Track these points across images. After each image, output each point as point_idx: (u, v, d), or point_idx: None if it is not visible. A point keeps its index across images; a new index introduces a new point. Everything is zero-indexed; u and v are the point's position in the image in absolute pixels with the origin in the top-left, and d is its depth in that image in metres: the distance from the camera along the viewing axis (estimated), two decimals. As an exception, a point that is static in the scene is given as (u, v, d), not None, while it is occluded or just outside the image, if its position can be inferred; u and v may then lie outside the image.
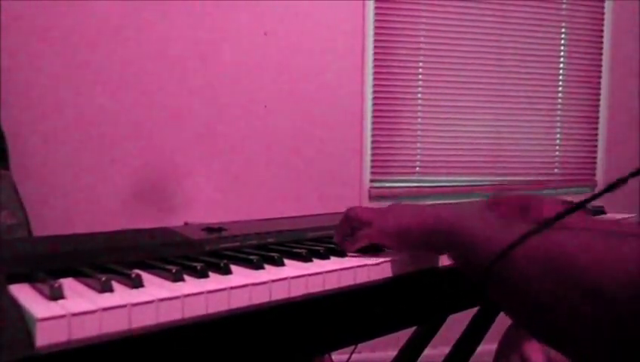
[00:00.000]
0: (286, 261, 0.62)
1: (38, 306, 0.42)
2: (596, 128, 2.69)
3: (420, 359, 1.19)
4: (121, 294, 0.47)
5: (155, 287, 0.49)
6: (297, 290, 0.55)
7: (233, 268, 0.57)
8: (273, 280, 0.53)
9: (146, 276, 0.53)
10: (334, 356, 1.57)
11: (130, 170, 2.10)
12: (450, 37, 2.46)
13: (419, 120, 2.46)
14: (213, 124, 2.19)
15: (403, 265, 0.68)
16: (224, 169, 2.21)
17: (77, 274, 0.54)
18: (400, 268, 0.67)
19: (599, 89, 2.67)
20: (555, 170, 2.67)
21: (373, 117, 2.39)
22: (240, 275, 0.55)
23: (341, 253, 0.69)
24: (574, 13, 2.62)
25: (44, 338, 0.39)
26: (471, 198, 2.13)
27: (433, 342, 1.19)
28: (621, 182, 0.47)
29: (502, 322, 1.03)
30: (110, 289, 0.47)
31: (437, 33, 2.45)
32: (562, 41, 2.63)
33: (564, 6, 2.61)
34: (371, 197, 2.38)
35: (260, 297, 0.52)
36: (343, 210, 0.74)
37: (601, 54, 2.66)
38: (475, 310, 1.16)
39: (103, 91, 2.07)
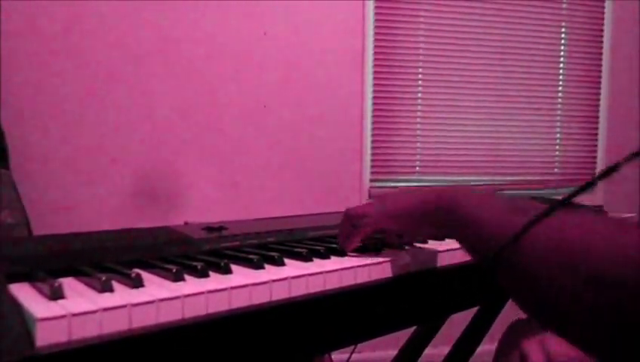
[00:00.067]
0: (286, 260, 0.62)
1: (38, 306, 0.42)
2: (596, 128, 2.69)
3: (420, 359, 1.19)
4: (122, 294, 0.47)
5: (155, 287, 0.49)
6: (298, 290, 0.55)
7: (233, 267, 0.57)
8: (274, 280, 0.53)
9: (146, 275, 0.53)
10: (334, 356, 1.57)
11: (130, 169, 2.10)
12: (450, 37, 2.46)
13: (418, 120, 2.46)
14: (214, 123, 2.18)
15: (403, 265, 0.68)
16: (224, 168, 2.21)
17: (77, 274, 0.54)
18: (400, 268, 0.67)
19: (599, 89, 2.67)
20: (555, 170, 2.67)
21: (373, 117, 2.39)
22: (240, 275, 0.55)
23: (341, 253, 0.69)
24: (574, 13, 2.62)
25: (44, 338, 0.39)
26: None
27: (433, 342, 1.19)
28: (612, 170, 0.47)
29: (502, 322, 1.03)
30: (110, 289, 0.47)
31: (437, 33, 2.45)
32: (562, 41, 2.63)
33: (564, 6, 2.61)
34: (371, 198, 2.38)
35: (261, 297, 0.52)
36: (343, 210, 0.74)
37: (601, 54, 2.66)
38: (475, 310, 1.16)
39: (103, 91, 2.07)
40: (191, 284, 0.51)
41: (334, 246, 0.71)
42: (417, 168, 2.47)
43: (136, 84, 2.10)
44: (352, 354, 1.26)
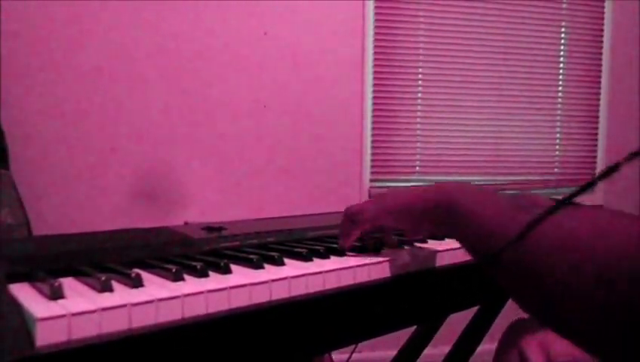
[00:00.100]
0: (286, 260, 0.62)
1: (38, 306, 0.42)
2: (596, 128, 2.69)
3: (419, 359, 1.19)
4: (121, 294, 0.47)
5: (155, 287, 0.49)
6: (297, 290, 0.55)
7: (233, 267, 0.57)
8: (273, 280, 0.53)
9: (145, 275, 0.53)
10: (334, 355, 1.57)
11: (130, 169, 2.10)
12: (450, 37, 2.46)
13: (418, 120, 2.46)
14: (213, 123, 2.19)
15: (403, 264, 0.68)
16: (224, 168, 2.21)
17: (77, 274, 0.54)
18: (400, 267, 0.67)
19: (599, 89, 2.67)
20: (555, 170, 2.67)
21: (373, 117, 2.39)
22: (240, 275, 0.55)
23: (341, 253, 0.69)
24: (574, 13, 2.62)
25: (44, 338, 0.39)
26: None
27: (433, 341, 1.19)
28: (614, 168, 0.46)
29: (502, 322, 1.03)
30: (110, 289, 0.47)
31: (437, 33, 2.45)
32: (562, 41, 2.63)
33: (564, 6, 2.61)
34: (371, 197, 2.38)
35: (260, 297, 0.52)
36: (343, 209, 0.74)
37: (601, 54, 2.66)
38: (475, 310, 1.16)
39: (103, 91, 2.07)
40: (191, 284, 0.51)
41: (334, 246, 0.71)
42: (417, 168, 2.47)
43: (136, 84, 2.10)
44: (352, 354, 1.26)
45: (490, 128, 2.54)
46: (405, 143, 2.45)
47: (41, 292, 0.47)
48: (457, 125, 2.49)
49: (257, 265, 0.59)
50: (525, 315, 0.53)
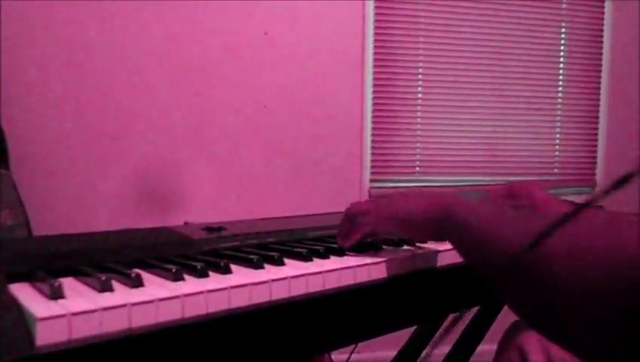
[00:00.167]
0: (286, 260, 0.62)
1: (38, 306, 0.42)
2: (596, 128, 2.69)
3: (419, 359, 1.19)
4: (121, 294, 0.47)
5: (155, 287, 0.49)
6: (297, 290, 0.55)
7: (233, 267, 0.57)
8: (273, 280, 0.53)
9: (146, 275, 0.53)
10: (334, 356, 1.57)
11: (130, 169, 2.10)
12: (450, 37, 2.46)
13: (419, 120, 2.46)
14: (214, 123, 2.19)
15: (403, 264, 0.68)
16: (224, 168, 2.21)
17: (77, 274, 0.54)
18: (400, 267, 0.67)
19: (599, 89, 2.67)
20: (555, 170, 2.67)
21: (373, 117, 2.39)
22: (240, 275, 0.55)
23: (341, 253, 0.69)
24: (574, 13, 2.62)
25: (44, 337, 0.39)
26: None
27: (433, 342, 1.19)
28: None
29: (502, 322, 1.03)
30: (110, 289, 0.47)
31: (437, 33, 2.45)
32: (562, 41, 2.63)
33: (564, 6, 2.61)
34: (371, 198, 2.38)
35: (260, 297, 0.52)
36: (343, 210, 0.74)
37: (601, 54, 2.66)
38: (475, 310, 1.16)
39: (103, 91, 2.07)
40: (191, 284, 0.51)
41: (334, 246, 0.71)
42: (417, 168, 2.47)
43: (136, 83, 2.10)
44: (352, 354, 1.26)
45: (490, 128, 2.54)
46: (405, 143, 2.45)
47: (41, 292, 0.47)
48: (457, 125, 2.49)
49: (257, 265, 0.59)
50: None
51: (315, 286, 0.57)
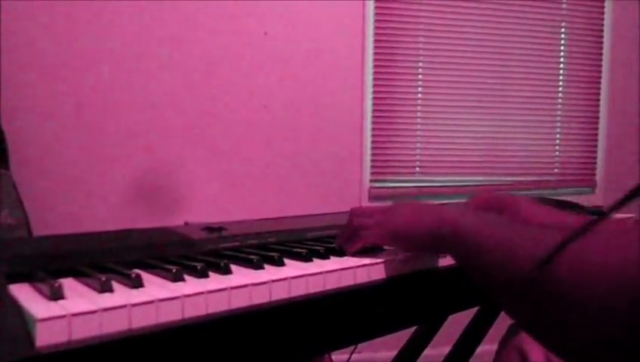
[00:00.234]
0: (286, 261, 0.62)
1: (38, 306, 0.42)
2: (596, 128, 2.69)
3: (419, 359, 1.19)
4: (121, 294, 0.47)
5: (155, 287, 0.49)
6: (297, 290, 0.55)
7: (233, 267, 0.57)
8: (273, 280, 0.53)
9: (146, 276, 0.53)
10: (334, 356, 1.57)
11: (130, 169, 2.10)
12: (450, 37, 2.46)
13: (419, 120, 2.46)
14: (213, 123, 2.18)
15: (403, 264, 0.68)
16: (224, 169, 2.21)
17: (77, 274, 0.54)
18: (400, 267, 0.67)
19: (599, 89, 2.67)
20: (555, 170, 2.67)
21: (373, 117, 2.39)
22: (240, 275, 0.55)
23: (341, 253, 0.69)
24: (574, 13, 2.62)
25: (44, 338, 0.39)
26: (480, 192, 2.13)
27: (433, 342, 1.19)
28: None
29: (502, 322, 1.03)
30: (110, 290, 0.47)
31: (437, 33, 2.45)
32: (562, 41, 2.63)
33: (564, 6, 2.61)
34: (371, 197, 2.38)
35: (260, 297, 0.52)
36: (343, 210, 0.74)
37: (601, 54, 2.66)
38: (475, 310, 1.16)
39: (103, 91, 2.07)
40: (191, 284, 0.51)
41: (334, 246, 0.71)
42: (417, 168, 2.47)
43: (135, 83, 2.10)
44: (352, 354, 1.26)
45: (490, 128, 2.54)
46: (405, 143, 2.45)
47: (41, 292, 0.47)
48: (457, 125, 2.49)
49: (257, 266, 0.59)
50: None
51: (315, 286, 0.57)
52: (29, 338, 0.39)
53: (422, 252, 0.69)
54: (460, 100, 2.49)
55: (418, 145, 2.47)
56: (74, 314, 0.40)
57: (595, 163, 2.69)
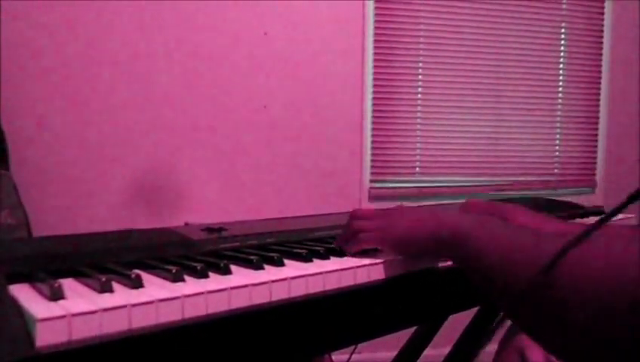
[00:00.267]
0: (286, 261, 0.62)
1: (38, 306, 0.42)
2: (596, 128, 2.69)
3: (420, 359, 1.19)
4: (121, 294, 0.47)
5: (155, 287, 0.49)
6: (297, 290, 0.55)
7: (233, 268, 0.57)
8: (273, 281, 0.53)
9: (146, 276, 0.53)
10: (334, 356, 1.57)
11: (130, 170, 2.10)
12: (450, 37, 2.46)
13: (419, 120, 2.46)
14: (214, 124, 2.19)
15: (403, 264, 0.68)
16: (224, 169, 2.21)
17: (77, 274, 0.54)
18: (400, 267, 0.67)
19: (599, 89, 2.67)
20: (555, 170, 2.67)
21: (373, 117, 2.39)
22: (240, 275, 0.55)
23: (341, 254, 0.69)
24: (574, 13, 2.62)
25: (44, 338, 0.39)
26: (472, 198, 2.13)
27: (433, 342, 1.19)
28: None
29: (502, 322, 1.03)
30: (110, 290, 0.47)
31: (437, 33, 2.45)
32: (562, 41, 2.63)
33: (564, 6, 2.61)
34: (371, 197, 2.38)
35: (260, 297, 0.52)
36: (343, 210, 0.74)
37: (601, 54, 2.66)
38: (475, 310, 1.16)
39: (103, 91, 2.07)
40: (191, 285, 0.51)
41: (334, 246, 0.71)
42: (417, 168, 2.47)
43: (135, 83, 2.10)
44: (352, 354, 1.26)
45: (490, 128, 2.54)
46: (405, 143, 2.45)
47: (41, 292, 0.47)
48: (457, 125, 2.49)
49: (257, 266, 0.59)
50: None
51: (315, 286, 0.57)
52: (29, 338, 0.39)
53: (425, 257, 0.69)
54: (460, 100, 2.49)
55: (418, 145, 2.47)
56: (74, 314, 0.40)
57: (595, 163, 2.69)
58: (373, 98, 2.39)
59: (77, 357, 0.40)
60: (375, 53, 2.37)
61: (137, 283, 0.49)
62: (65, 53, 2.02)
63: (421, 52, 2.45)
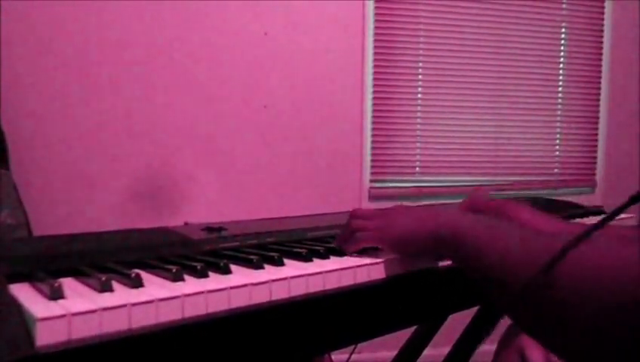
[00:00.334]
0: (286, 261, 0.62)
1: (38, 306, 0.42)
2: (596, 128, 2.69)
3: (420, 359, 1.19)
4: (121, 294, 0.47)
5: (155, 287, 0.49)
6: (297, 290, 0.55)
7: (233, 267, 0.57)
8: (273, 280, 0.53)
9: (145, 276, 0.53)
10: (334, 356, 1.57)
11: (130, 170, 2.10)
12: (450, 37, 2.46)
13: (419, 120, 2.46)
14: (213, 124, 2.19)
15: (403, 264, 0.68)
16: (224, 169, 2.21)
17: (77, 274, 0.54)
18: (400, 267, 0.67)
19: (599, 89, 2.67)
20: (555, 170, 2.67)
21: (373, 117, 2.39)
22: (240, 275, 0.55)
23: (341, 253, 0.69)
24: (574, 13, 2.62)
25: (44, 338, 0.39)
26: (475, 193, 2.12)
27: (433, 342, 1.19)
28: None
29: (502, 322, 1.03)
30: (110, 289, 0.47)
31: (437, 33, 2.45)
32: (562, 41, 2.63)
33: (564, 6, 2.61)
34: (371, 197, 2.38)
35: (260, 297, 0.52)
36: (343, 210, 0.74)
37: (601, 54, 2.66)
38: (475, 310, 1.16)
39: (103, 91, 2.07)
40: (190, 284, 0.51)
41: (334, 246, 0.71)
42: (417, 168, 2.47)
43: (135, 84, 2.10)
44: (352, 354, 1.26)
45: (490, 128, 2.54)
46: (405, 143, 2.45)
47: (41, 292, 0.47)
48: (457, 125, 2.49)
49: (257, 266, 0.59)
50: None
51: (315, 286, 0.57)
52: (29, 337, 0.39)
53: (424, 257, 0.69)
54: (460, 100, 2.49)
55: (418, 145, 2.47)
56: (74, 314, 0.40)
57: (595, 163, 2.69)
58: (373, 98, 2.38)
59: (77, 356, 0.40)
60: (375, 53, 2.37)
61: (137, 283, 0.49)
62: (65, 53, 2.02)
63: (421, 52, 2.45)
